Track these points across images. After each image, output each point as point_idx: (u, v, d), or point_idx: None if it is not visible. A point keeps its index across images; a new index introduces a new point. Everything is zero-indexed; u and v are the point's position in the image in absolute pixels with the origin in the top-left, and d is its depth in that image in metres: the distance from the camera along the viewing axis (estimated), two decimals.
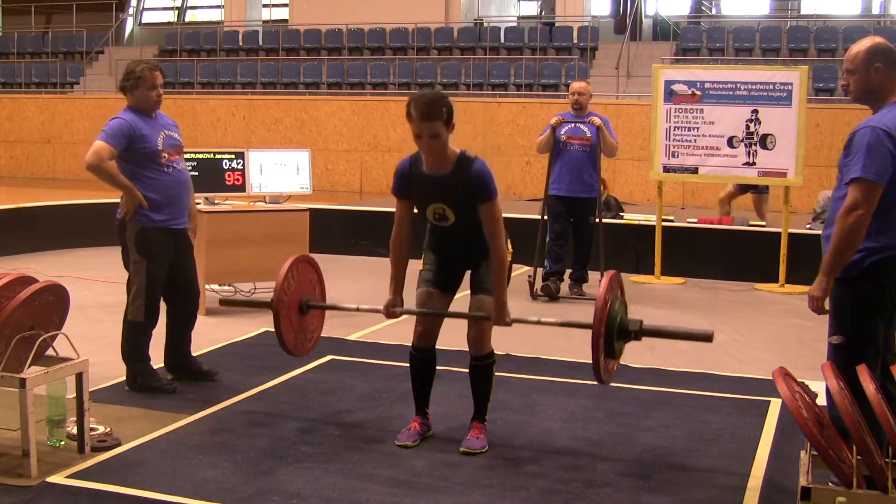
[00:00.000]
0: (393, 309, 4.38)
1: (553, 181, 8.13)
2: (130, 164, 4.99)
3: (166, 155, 5.07)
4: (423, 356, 4.42)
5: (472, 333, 4.33)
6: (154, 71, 5.13)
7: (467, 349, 4.39)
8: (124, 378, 5.18)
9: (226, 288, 7.94)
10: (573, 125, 8.07)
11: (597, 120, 7.99)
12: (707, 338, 4.07)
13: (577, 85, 8.30)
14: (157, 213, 5.04)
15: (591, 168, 8.05)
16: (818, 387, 3.84)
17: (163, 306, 5.24)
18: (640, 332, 4.03)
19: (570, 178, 8.01)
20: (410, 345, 4.45)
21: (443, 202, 4.24)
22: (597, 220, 8.18)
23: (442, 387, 4.88)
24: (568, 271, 8.25)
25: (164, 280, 5.14)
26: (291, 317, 4.47)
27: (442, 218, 4.28)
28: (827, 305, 3.70)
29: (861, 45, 3.72)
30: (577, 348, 6.27)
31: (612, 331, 3.96)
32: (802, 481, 3.52)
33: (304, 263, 4.62)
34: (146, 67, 5.13)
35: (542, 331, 6.81)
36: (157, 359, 5.33)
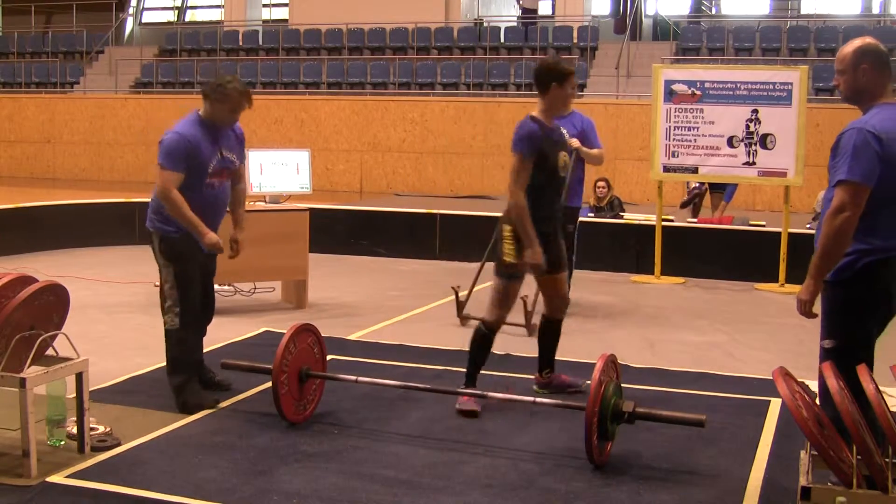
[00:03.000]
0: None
1: None
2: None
3: (214, 180, 4.91)
4: (493, 335, 4.95)
5: (558, 301, 5.16)
6: (243, 98, 4.91)
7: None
8: (127, 377, 5.18)
9: (226, 287, 7.94)
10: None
11: (574, 142, 7.04)
12: (699, 423, 4.11)
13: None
14: (181, 227, 4.83)
15: (577, 172, 7.17)
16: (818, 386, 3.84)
17: None
18: (633, 415, 4.14)
19: None
20: (483, 321, 4.95)
21: (564, 149, 5.02)
22: (572, 229, 7.21)
23: (442, 387, 4.88)
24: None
25: (199, 285, 4.95)
26: (291, 387, 4.54)
27: (565, 166, 5.01)
28: (817, 308, 3.68)
29: (850, 46, 3.72)
30: (579, 348, 6.27)
31: (606, 413, 4.04)
32: (802, 481, 3.52)
33: (303, 333, 4.63)
34: (238, 90, 4.87)
35: None
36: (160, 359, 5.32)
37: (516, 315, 6.20)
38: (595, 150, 7.19)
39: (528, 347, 6.26)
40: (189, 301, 4.85)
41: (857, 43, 3.71)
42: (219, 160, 4.91)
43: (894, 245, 3.62)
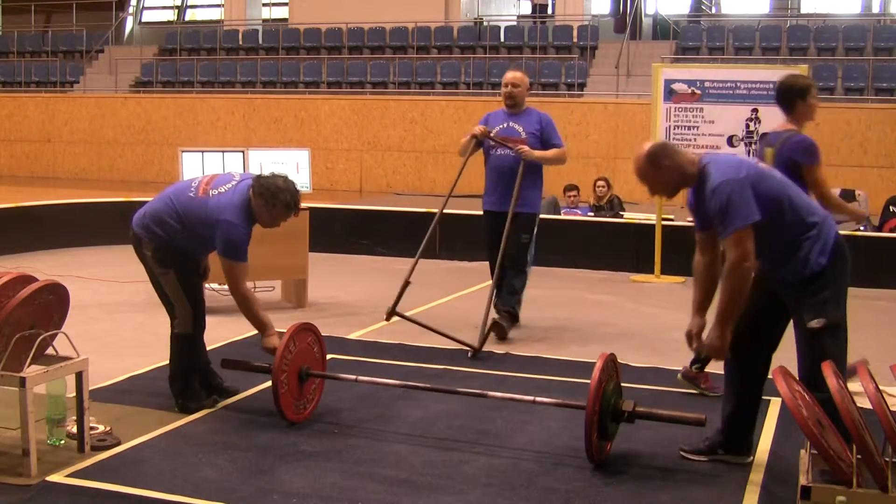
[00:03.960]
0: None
1: (485, 193, 6.75)
2: (193, 230, 4.64)
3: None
4: None
5: None
6: (292, 211, 4.63)
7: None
8: (124, 377, 5.17)
9: (225, 287, 7.93)
10: (505, 125, 6.59)
11: (526, 150, 6.38)
12: (699, 423, 4.14)
13: (509, 75, 6.72)
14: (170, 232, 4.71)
15: (529, 175, 6.44)
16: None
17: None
18: (633, 414, 4.15)
19: (502, 188, 6.50)
20: None
21: None
22: (529, 237, 6.58)
23: (442, 386, 4.89)
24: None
25: (201, 285, 4.92)
26: (291, 386, 4.53)
27: None
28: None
29: (641, 154, 3.94)
30: (579, 347, 6.27)
31: (606, 413, 4.04)
32: (802, 480, 3.53)
33: (302, 332, 4.62)
34: (288, 205, 4.59)
35: (543, 330, 6.83)
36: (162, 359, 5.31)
37: (468, 334, 6.18)
38: (552, 152, 6.51)
39: (529, 347, 6.27)
40: (198, 302, 4.80)
41: (644, 150, 3.94)
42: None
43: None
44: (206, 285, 7.38)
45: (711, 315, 3.93)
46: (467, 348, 5.97)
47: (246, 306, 4.66)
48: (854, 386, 3.82)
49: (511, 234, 6.33)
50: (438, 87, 17.77)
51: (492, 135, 6.46)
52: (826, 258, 3.79)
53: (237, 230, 4.53)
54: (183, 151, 7.50)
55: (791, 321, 3.99)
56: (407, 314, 6.25)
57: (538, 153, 6.43)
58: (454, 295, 8.07)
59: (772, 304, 4.01)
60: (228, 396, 4.98)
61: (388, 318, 6.16)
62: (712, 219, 3.86)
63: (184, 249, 4.69)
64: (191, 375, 4.83)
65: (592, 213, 10.91)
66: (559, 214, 10.69)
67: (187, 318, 4.73)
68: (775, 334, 4.10)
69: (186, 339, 4.78)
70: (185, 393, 4.77)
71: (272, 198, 4.52)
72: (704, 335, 3.99)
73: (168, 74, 19.74)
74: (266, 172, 4.81)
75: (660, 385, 5.41)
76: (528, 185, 6.42)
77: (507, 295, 6.51)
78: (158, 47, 21.16)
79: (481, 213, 6.84)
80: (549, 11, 22.05)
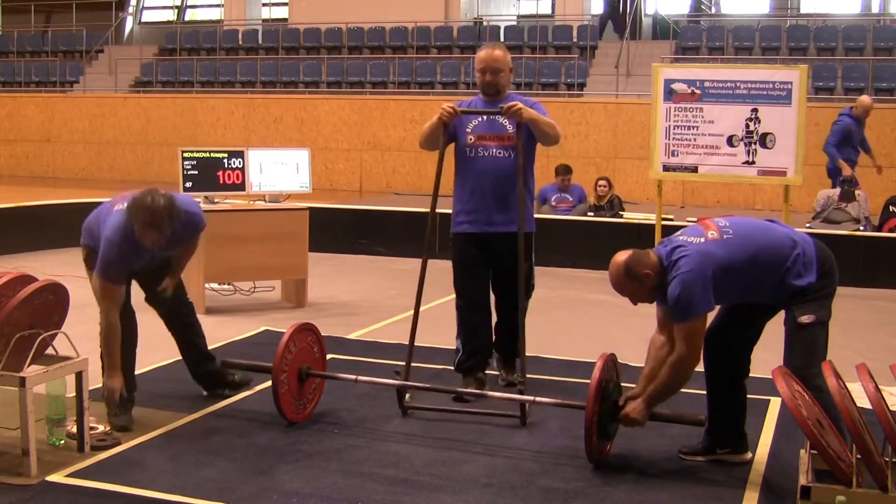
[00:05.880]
0: None
1: (459, 209, 5.13)
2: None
3: None
4: None
5: None
6: (153, 230, 4.27)
7: None
8: None
9: (225, 287, 7.94)
10: (484, 119, 5.04)
11: (524, 110, 4.84)
12: (699, 423, 4.16)
13: (485, 54, 5.13)
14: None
15: (527, 179, 5.03)
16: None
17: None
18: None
19: (486, 201, 5.01)
20: None
21: None
22: (531, 263, 5.18)
23: (441, 386, 4.88)
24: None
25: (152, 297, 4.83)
26: (291, 386, 4.53)
27: None
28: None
29: (617, 270, 4.05)
30: (578, 347, 6.28)
31: (606, 412, 4.04)
32: (802, 480, 3.53)
33: (302, 332, 4.62)
34: (146, 223, 4.25)
35: (543, 330, 6.82)
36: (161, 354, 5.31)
37: None
38: (545, 119, 5.02)
39: (529, 347, 6.26)
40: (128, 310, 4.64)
41: (620, 265, 4.03)
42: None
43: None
44: (206, 285, 7.41)
45: None
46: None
47: (103, 332, 4.39)
48: (854, 386, 3.83)
49: (508, 263, 4.93)
50: (438, 87, 17.76)
51: (468, 130, 5.03)
52: (814, 275, 3.91)
53: (111, 248, 4.33)
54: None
55: (769, 318, 4.12)
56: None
57: (535, 114, 4.94)
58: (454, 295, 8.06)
59: (748, 317, 4.13)
60: (242, 387, 5.06)
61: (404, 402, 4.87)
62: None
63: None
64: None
65: (592, 213, 10.89)
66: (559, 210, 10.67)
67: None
68: (755, 328, 4.15)
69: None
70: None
71: (135, 217, 4.23)
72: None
73: (168, 74, 19.73)
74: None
75: None
76: (525, 194, 5.00)
77: (509, 346, 5.25)
78: (158, 47, 21.15)
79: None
80: (550, 11, 22.05)
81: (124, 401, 4.53)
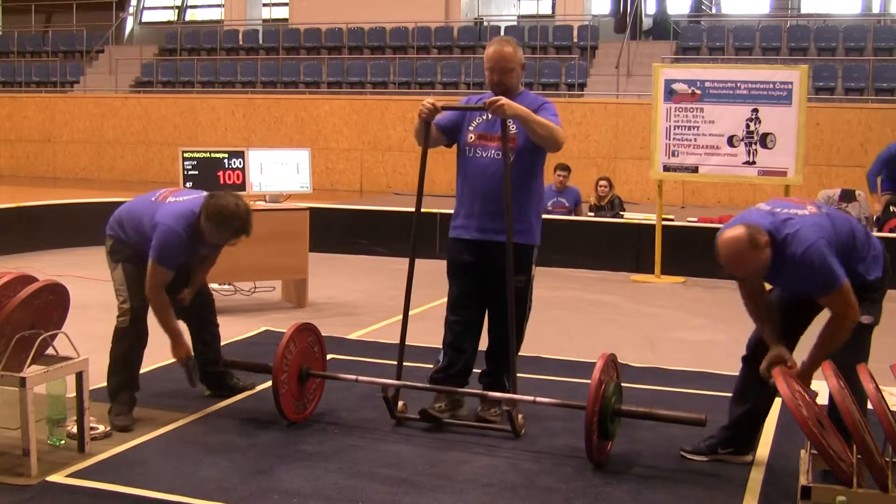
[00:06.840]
0: None
1: (456, 212, 4.81)
2: (144, 232, 4.63)
3: None
4: None
5: None
6: (241, 235, 4.60)
7: None
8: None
9: (226, 287, 7.94)
10: (489, 117, 4.56)
11: (507, 105, 4.31)
12: (699, 423, 4.14)
13: (493, 51, 4.58)
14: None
15: (521, 187, 4.55)
16: (818, 386, 3.85)
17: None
18: (633, 414, 4.18)
19: (482, 206, 4.60)
20: None
21: None
22: (527, 279, 4.62)
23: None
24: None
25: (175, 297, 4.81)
26: (291, 386, 4.54)
27: None
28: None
29: (737, 243, 3.74)
30: (579, 347, 6.27)
31: (607, 413, 4.04)
32: (802, 480, 3.53)
33: (303, 332, 4.62)
34: (237, 230, 4.56)
35: (543, 330, 6.82)
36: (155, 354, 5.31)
37: None
38: (542, 119, 4.51)
39: (529, 347, 6.26)
40: (140, 298, 4.68)
41: (738, 237, 3.75)
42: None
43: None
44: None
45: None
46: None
47: (155, 312, 4.61)
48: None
49: (501, 275, 4.42)
50: (439, 87, 17.76)
51: (471, 128, 4.64)
52: (881, 270, 3.93)
53: (172, 235, 4.44)
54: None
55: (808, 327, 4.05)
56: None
57: (522, 110, 4.39)
58: None
59: (798, 311, 4.06)
60: (244, 390, 5.07)
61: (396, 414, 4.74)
62: (794, 283, 3.85)
63: (137, 250, 4.64)
64: (121, 375, 4.62)
65: (593, 213, 10.90)
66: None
67: (126, 311, 4.67)
68: (796, 339, 4.10)
69: (118, 334, 4.68)
70: (112, 407, 4.55)
71: (223, 222, 4.47)
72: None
73: (168, 74, 19.74)
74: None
75: (660, 385, 5.41)
76: (523, 199, 4.55)
77: (495, 370, 4.74)
78: (158, 47, 21.16)
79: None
80: (550, 11, 22.05)
81: (127, 400, 4.57)
